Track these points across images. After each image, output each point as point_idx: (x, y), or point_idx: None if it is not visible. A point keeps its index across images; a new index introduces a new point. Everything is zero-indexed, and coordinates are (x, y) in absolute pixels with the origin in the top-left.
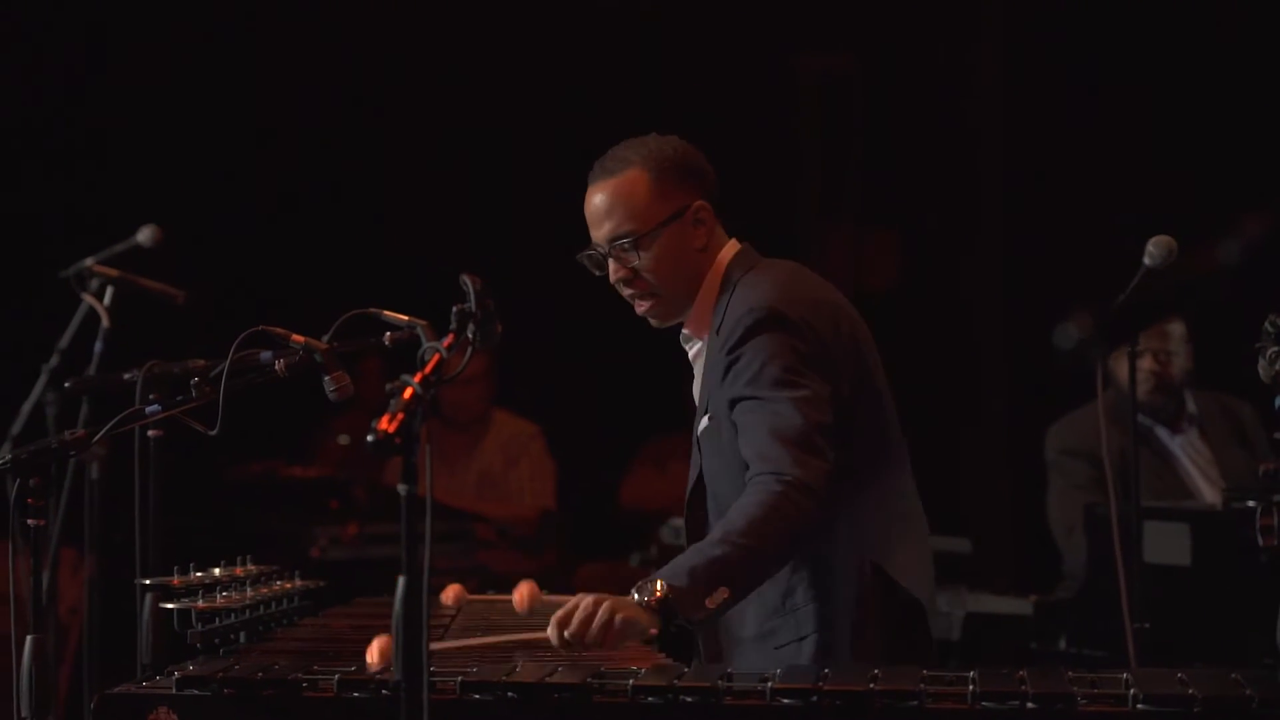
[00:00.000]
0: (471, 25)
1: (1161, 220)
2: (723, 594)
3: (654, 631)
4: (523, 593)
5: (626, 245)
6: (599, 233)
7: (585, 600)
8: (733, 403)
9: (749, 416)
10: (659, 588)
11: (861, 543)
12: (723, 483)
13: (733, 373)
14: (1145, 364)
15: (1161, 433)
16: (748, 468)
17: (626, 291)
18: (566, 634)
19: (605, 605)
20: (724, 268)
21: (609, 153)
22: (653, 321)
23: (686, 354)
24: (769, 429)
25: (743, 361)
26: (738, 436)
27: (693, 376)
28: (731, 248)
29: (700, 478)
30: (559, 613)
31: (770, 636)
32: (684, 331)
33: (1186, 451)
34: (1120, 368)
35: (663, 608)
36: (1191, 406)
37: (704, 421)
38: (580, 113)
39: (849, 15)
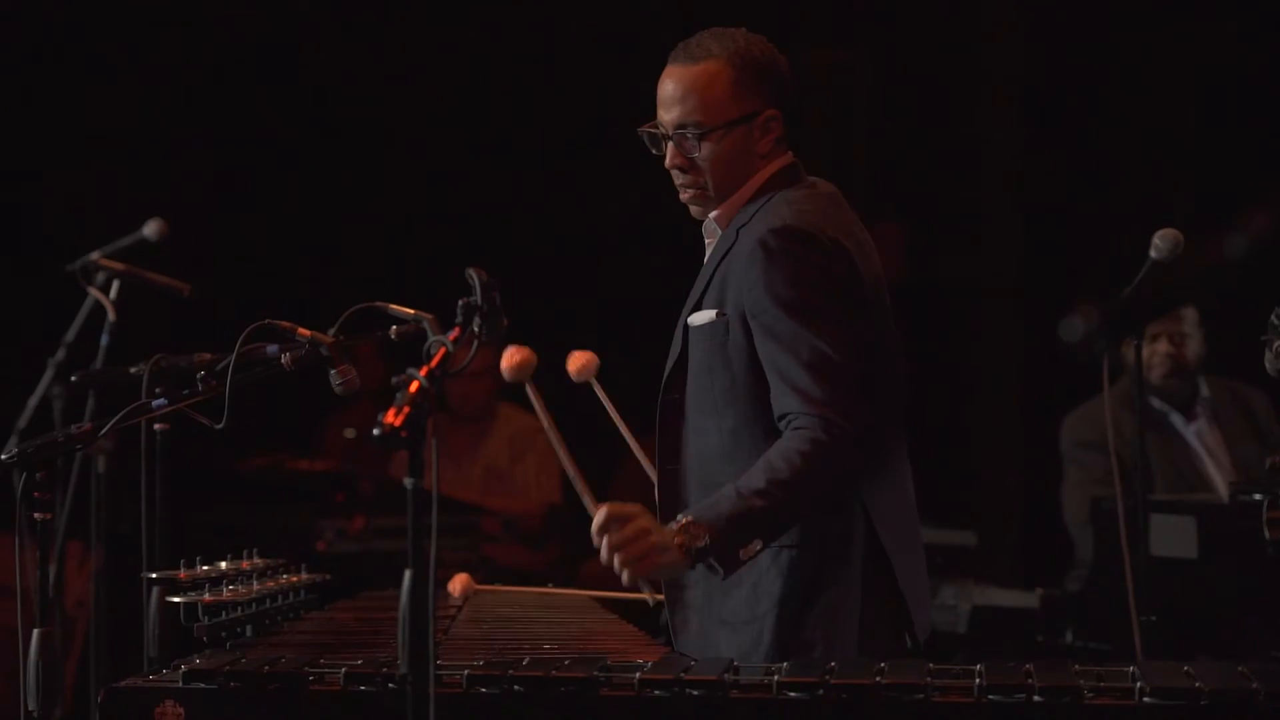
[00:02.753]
0: (478, 19)
1: (1168, 213)
2: (756, 545)
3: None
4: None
5: (691, 135)
6: (667, 115)
7: (639, 523)
8: (757, 314)
9: (779, 343)
10: (704, 537)
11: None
12: (707, 377)
13: (763, 284)
14: (1160, 347)
15: (1175, 419)
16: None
17: (677, 177)
18: (609, 539)
19: (651, 541)
20: (769, 175)
21: (695, 36)
22: (691, 209)
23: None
24: (810, 364)
25: (776, 277)
26: (759, 346)
27: None
28: (783, 159)
29: (681, 365)
30: (610, 515)
31: None
32: (710, 218)
33: (1199, 439)
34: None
35: (700, 555)
36: (1205, 391)
37: (706, 315)
38: (586, 107)
39: (856, 8)
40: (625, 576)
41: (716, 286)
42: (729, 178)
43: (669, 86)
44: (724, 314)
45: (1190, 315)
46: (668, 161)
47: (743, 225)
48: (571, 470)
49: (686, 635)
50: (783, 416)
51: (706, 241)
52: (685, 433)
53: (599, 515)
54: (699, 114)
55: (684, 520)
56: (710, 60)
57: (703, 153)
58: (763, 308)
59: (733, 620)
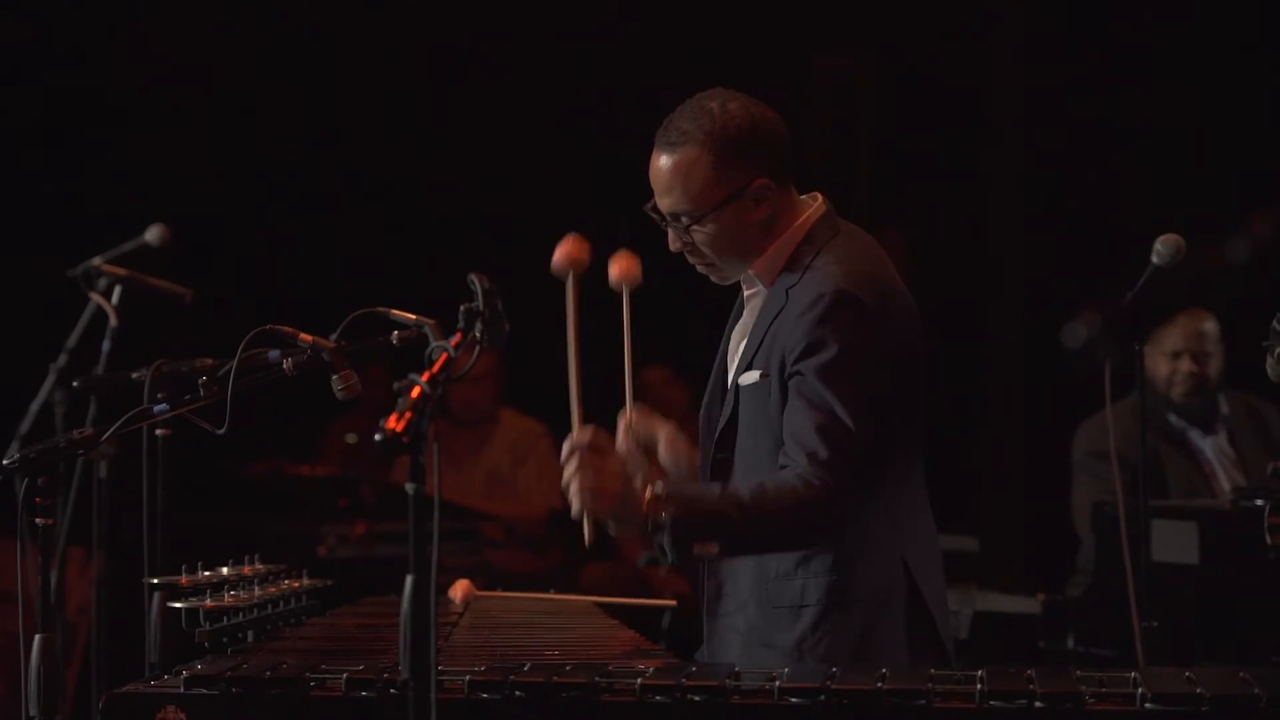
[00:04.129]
0: (480, 23)
1: (1170, 218)
2: (712, 549)
3: (617, 534)
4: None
5: (683, 223)
6: (660, 202)
7: (615, 464)
8: (791, 372)
9: (804, 399)
10: (669, 515)
11: (895, 537)
12: (753, 438)
13: (808, 347)
14: (1184, 365)
15: (1194, 434)
16: (781, 440)
17: (686, 256)
18: (579, 462)
19: (617, 487)
20: (807, 229)
21: (678, 115)
22: (713, 276)
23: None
24: (817, 424)
25: (820, 342)
26: (788, 400)
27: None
28: (815, 208)
29: (732, 424)
30: (593, 442)
31: (774, 596)
32: (749, 273)
33: (1216, 453)
34: (1154, 365)
35: (654, 529)
36: (1224, 408)
37: (752, 375)
38: (591, 111)
39: (863, 14)
40: (574, 505)
41: (766, 347)
42: (735, 251)
43: (657, 176)
44: (767, 375)
45: (1212, 331)
46: (671, 246)
47: (793, 286)
48: (575, 379)
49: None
50: (783, 467)
51: (746, 293)
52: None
53: (582, 435)
54: (686, 203)
55: (659, 489)
56: (688, 146)
57: (699, 238)
58: (801, 369)
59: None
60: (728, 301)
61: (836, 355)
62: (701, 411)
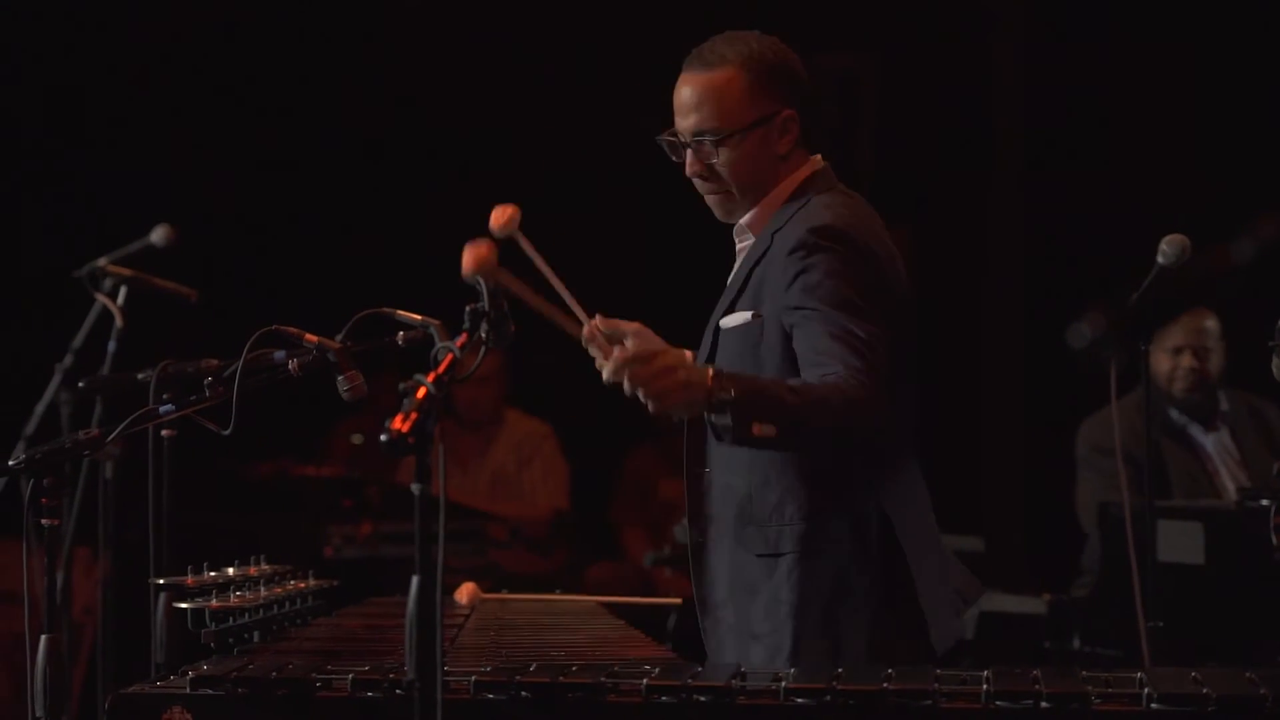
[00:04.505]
0: (482, 23)
1: (1176, 218)
2: (770, 430)
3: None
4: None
5: (709, 141)
6: (684, 123)
7: (667, 358)
8: (796, 306)
9: (812, 325)
10: (730, 391)
11: (872, 487)
12: None
13: (800, 281)
14: (1185, 361)
15: (1195, 430)
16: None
17: (699, 184)
18: (636, 371)
19: (679, 376)
20: (801, 179)
21: (708, 42)
22: (719, 211)
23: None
24: (839, 340)
25: (814, 274)
26: (792, 339)
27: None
28: (813, 164)
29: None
30: (631, 354)
31: (751, 541)
32: (741, 223)
33: (1217, 450)
34: (1156, 362)
35: (719, 406)
36: (1225, 405)
37: (739, 317)
38: (594, 112)
39: (865, 14)
40: (652, 407)
41: (752, 289)
42: (751, 180)
43: (685, 94)
44: (759, 315)
45: (1213, 328)
46: (688, 169)
47: (778, 229)
48: (576, 307)
49: (723, 656)
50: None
51: (738, 246)
52: (711, 436)
53: (629, 349)
54: (715, 120)
55: (716, 369)
56: (724, 66)
57: (721, 158)
58: (802, 300)
59: (759, 632)
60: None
61: (836, 282)
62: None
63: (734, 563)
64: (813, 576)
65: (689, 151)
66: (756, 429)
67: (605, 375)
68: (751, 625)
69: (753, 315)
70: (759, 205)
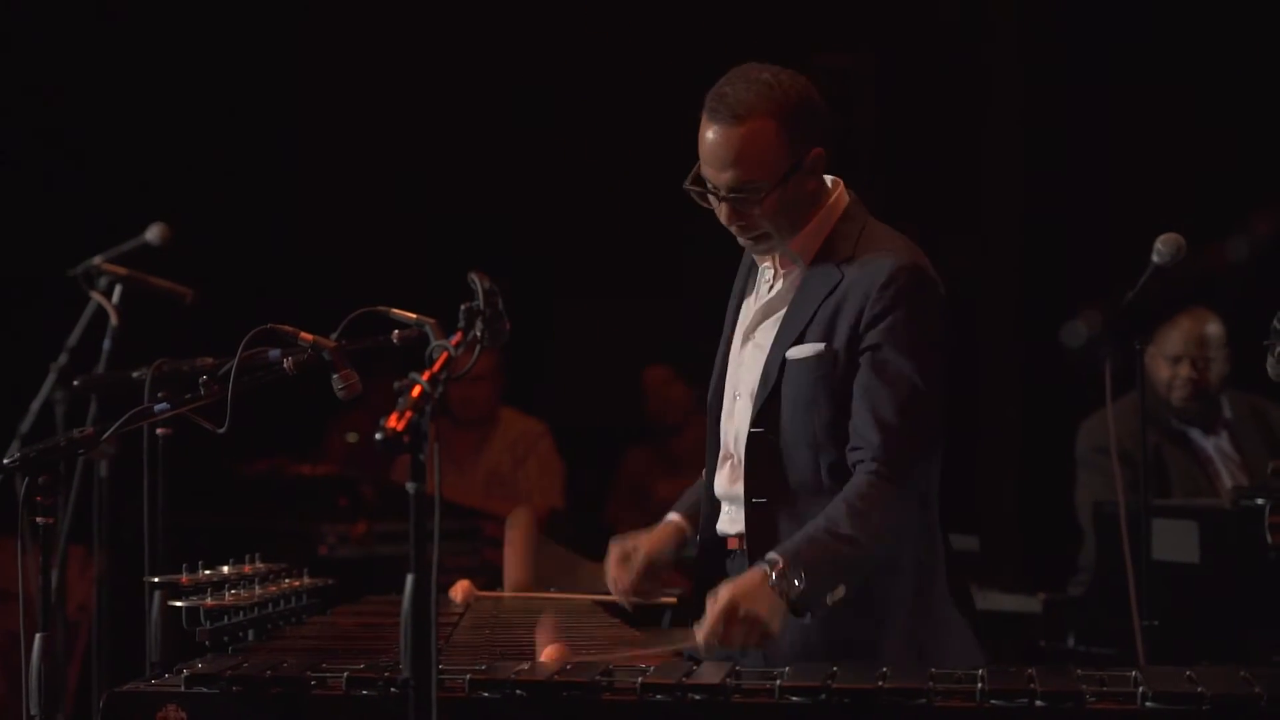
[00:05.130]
0: (479, 22)
1: (1171, 217)
2: (840, 592)
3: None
4: (460, 589)
5: (748, 197)
6: (720, 176)
7: (745, 610)
8: (872, 346)
9: (881, 370)
10: (799, 579)
11: (934, 511)
12: (807, 411)
13: (887, 321)
14: (1183, 371)
15: (1195, 434)
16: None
17: (736, 229)
18: (719, 644)
19: (764, 619)
20: (842, 207)
21: (731, 86)
22: (754, 251)
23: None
24: (903, 407)
25: (901, 315)
26: (860, 376)
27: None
28: (843, 190)
29: (775, 398)
30: (707, 630)
31: None
32: (787, 251)
33: (1218, 452)
34: (1155, 368)
35: (797, 602)
36: (1227, 411)
37: (810, 348)
38: (592, 111)
39: (863, 14)
40: (762, 644)
41: (822, 320)
42: (787, 221)
43: (717, 148)
44: (832, 348)
45: (1215, 336)
46: (725, 219)
47: (845, 262)
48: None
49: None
50: (857, 448)
51: (780, 273)
52: (779, 467)
53: (714, 628)
54: (753, 174)
55: (779, 565)
56: (756, 118)
57: (762, 210)
58: (880, 341)
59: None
60: (726, 299)
61: (917, 328)
62: (711, 392)
63: None
64: (886, 592)
65: (725, 204)
66: (828, 601)
67: (705, 653)
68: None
69: (825, 347)
70: (799, 235)
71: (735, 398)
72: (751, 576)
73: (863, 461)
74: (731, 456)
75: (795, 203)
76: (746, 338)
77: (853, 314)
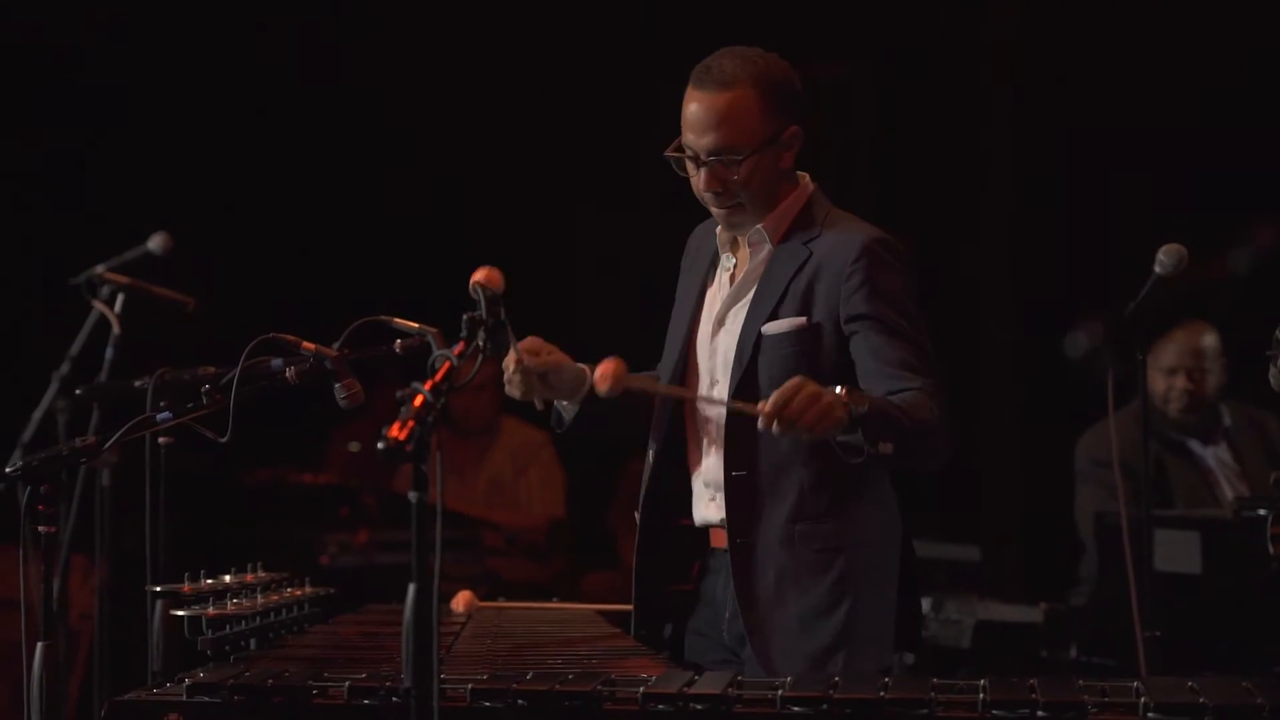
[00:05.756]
0: (479, 28)
1: (1173, 227)
2: (889, 448)
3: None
4: (461, 599)
5: (727, 160)
6: (700, 140)
7: (807, 389)
8: (868, 315)
9: (879, 336)
10: (865, 405)
11: (893, 486)
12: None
13: (866, 290)
14: (1179, 382)
15: (1194, 444)
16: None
17: (711, 197)
18: (781, 414)
19: (825, 400)
20: (809, 193)
21: (716, 60)
22: (727, 224)
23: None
24: (912, 353)
25: (879, 284)
26: (862, 341)
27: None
28: (808, 177)
29: (750, 374)
30: (777, 397)
31: (805, 538)
32: (758, 229)
33: (1218, 463)
34: (1151, 381)
35: (859, 421)
36: (1226, 420)
37: (786, 323)
38: (591, 118)
39: (861, 23)
40: (807, 437)
41: (795, 296)
42: (763, 193)
43: (699, 112)
44: (813, 321)
45: (1210, 347)
46: (703, 185)
47: (812, 240)
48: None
49: (774, 649)
50: (896, 390)
51: (747, 253)
52: (758, 439)
53: (776, 399)
54: (734, 139)
55: (846, 389)
56: (738, 85)
57: (739, 176)
58: (867, 309)
59: (817, 623)
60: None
61: (899, 293)
62: (671, 368)
63: (787, 558)
64: (868, 565)
65: (704, 169)
66: (881, 446)
67: (764, 427)
68: (809, 616)
69: (804, 321)
70: (770, 216)
71: (714, 384)
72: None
73: (910, 389)
74: (716, 441)
75: (770, 176)
76: (718, 325)
77: (829, 287)
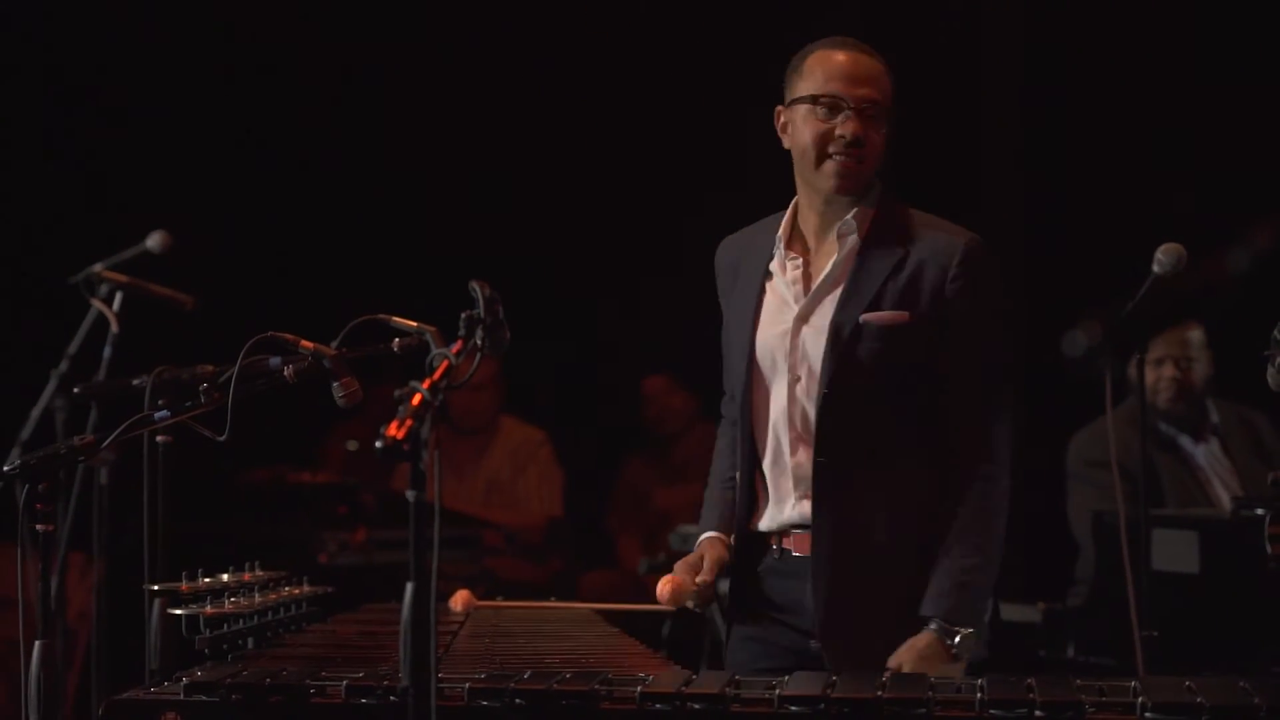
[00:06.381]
0: (476, 29)
1: (1171, 227)
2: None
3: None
4: (459, 598)
5: (875, 114)
6: (855, 90)
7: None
8: (971, 317)
9: (992, 346)
10: (966, 639)
11: None
12: (886, 373)
13: (973, 298)
14: (1167, 371)
15: (1185, 441)
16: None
17: (847, 147)
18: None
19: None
20: (883, 190)
21: (842, 38)
22: (842, 183)
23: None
24: (994, 367)
25: (983, 294)
26: (963, 343)
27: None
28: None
29: (847, 362)
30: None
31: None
32: (849, 219)
33: (1209, 461)
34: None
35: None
36: (1214, 416)
37: (887, 315)
38: (584, 120)
39: (857, 25)
40: None
41: (897, 291)
42: (875, 166)
43: (854, 67)
44: (916, 317)
45: (1196, 338)
46: (852, 130)
47: (905, 237)
48: None
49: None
50: (969, 445)
51: (831, 243)
52: (851, 428)
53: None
54: (882, 100)
55: (960, 637)
56: (880, 60)
57: (878, 136)
58: (979, 313)
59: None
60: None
61: (996, 299)
62: (744, 390)
63: (881, 555)
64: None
65: (855, 114)
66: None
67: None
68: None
69: (907, 316)
70: (859, 206)
71: (796, 381)
72: (928, 642)
73: (977, 465)
74: (803, 438)
75: (883, 152)
76: (801, 320)
77: (933, 286)
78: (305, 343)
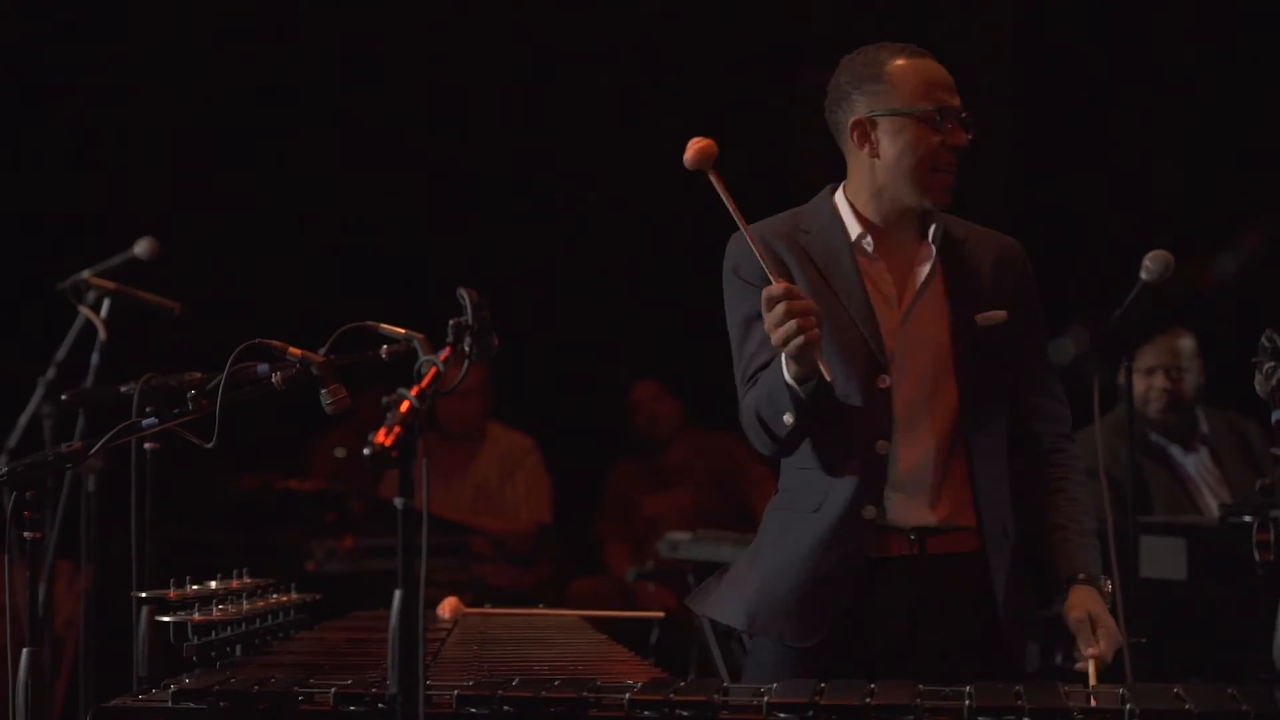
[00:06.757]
0: (474, 34)
1: (1159, 234)
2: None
3: None
4: (447, 605)
5: (972, 124)
6: (956, 99)
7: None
8: (1034, 319)
9: (1040, 355)
10: (1108, 584)
11: None
12: (996, 374)
13: (1034, 294)
14: (1157, 381)
15: (1174, 451)
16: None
17: (950, 160)
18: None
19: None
20: None
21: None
22: (942, 196)
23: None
24: (1056, 383)
25: (1036, 289)
26: (1032, 346)
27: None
28: None
29: (964, 362)
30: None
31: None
32: (935, 224)
33: (1198, 470)
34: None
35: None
36: (1204, 425)
37: (996, 315)
38: (582, 124)
39: (851, 29)
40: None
41: (996, 289)
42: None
43: (946, 76)
44: (1012, 314)
45: (1187, 348)
46: (959, 141)
47: (968, 237)
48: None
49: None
50: (1056, 420)
51: (910, 239)
52: (964, 429)
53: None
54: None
55: (1106, 584)
56: None
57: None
58: (1036, 315)
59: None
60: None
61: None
62: (864, 352)
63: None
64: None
65: (962, 125)
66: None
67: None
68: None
69: (1006, 315)
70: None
71: (904, 379)
72: (1089, 591)
73: (1064, 435)
74: (936, 435)
75: None
76: (905, 317)
77: (1016, 284)
78: (293, 350)
